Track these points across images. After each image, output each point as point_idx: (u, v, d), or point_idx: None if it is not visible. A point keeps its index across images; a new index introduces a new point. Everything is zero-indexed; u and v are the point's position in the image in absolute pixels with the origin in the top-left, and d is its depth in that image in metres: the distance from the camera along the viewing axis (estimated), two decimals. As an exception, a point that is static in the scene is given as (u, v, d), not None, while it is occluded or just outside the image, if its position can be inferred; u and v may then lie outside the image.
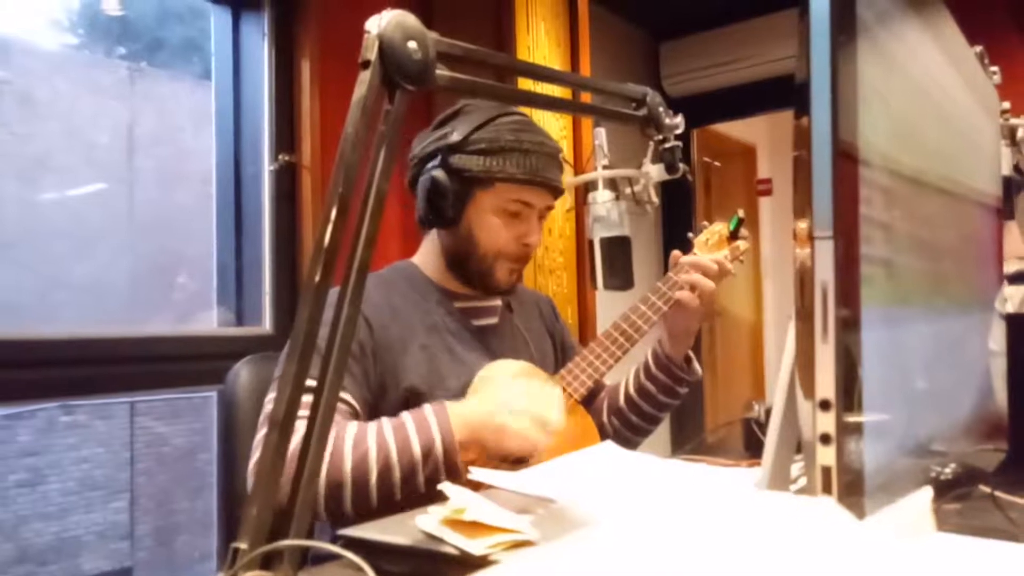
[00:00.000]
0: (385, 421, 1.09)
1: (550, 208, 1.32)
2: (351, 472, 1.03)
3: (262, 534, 0.56)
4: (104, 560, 2.16)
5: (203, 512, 2.30)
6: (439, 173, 1.23)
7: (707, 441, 1.51)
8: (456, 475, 1.07)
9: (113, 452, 2.18)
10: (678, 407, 1.43)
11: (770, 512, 0.49)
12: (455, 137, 1.23)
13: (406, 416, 1.09)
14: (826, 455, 0.48)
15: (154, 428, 2.26)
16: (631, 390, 1.42)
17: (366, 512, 1.04)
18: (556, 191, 1.30)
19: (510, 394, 1.10)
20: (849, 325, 0.50)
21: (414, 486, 1.06)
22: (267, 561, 0.56)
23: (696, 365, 1.42)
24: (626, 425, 1.43)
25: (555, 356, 1.46)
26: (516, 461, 1.19)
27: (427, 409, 1.10)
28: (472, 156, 1.23)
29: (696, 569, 0.46)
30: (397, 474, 1.05)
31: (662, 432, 3.52)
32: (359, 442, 1.05)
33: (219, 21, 2.18)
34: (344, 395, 1.13)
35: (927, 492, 0.49)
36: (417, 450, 1.05)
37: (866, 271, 0.52)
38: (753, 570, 0.44)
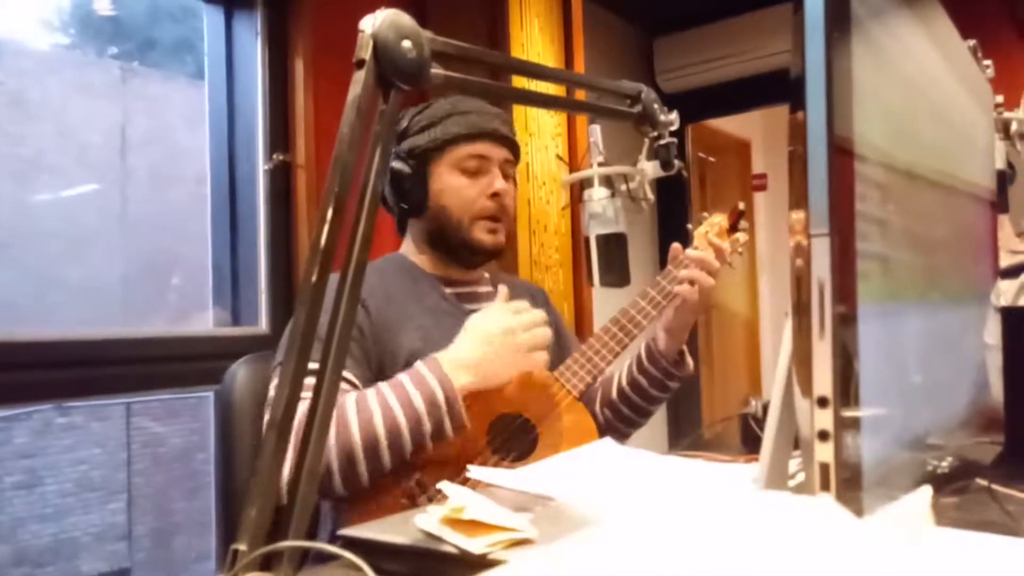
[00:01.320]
0: (382, 384, 1.11)
1: (509, 162, 1.34)
2: (360, 437, 1.05)
3: (261, 535, 0.56)
4: (102, 561, 2.16)
5: (201, 512, 2.30)
6: (394, 163, 1.28)
7: (704, 437, 1.51)
8: (460, 423, 1.09)
9: (110, 453, 2.18)
10: (675, 402, 1.44)
11: (771, 513, 0.49)
12: (400, 127, 1.30)
13: (401, 376, 1.11)
14: (824, 452, 0.48)
15: (150, 428, 2.26)
16: (624, 383, 1.44)
17: (380, 475, 1.07)
18: (508, 142, 1.33)
19: (490, 321, 1.13)
20: (846, 322, 0.50)
21: (422, 440, 1.08)
22: (267, 562, 0.56)
23: (688, 360, 1.43)
24: (618, 417, 1.45)
25: (556, 343, 1.46)
26: (516, 459, 1.19)
27: (419, 364, 1.12)
28: (417, 135, 1.29)
29: (700, 570, 0.46)
30: (405, 431, 1.07)
31: (659, 428, 3.53)
32: (362, 408, 1.07)
33: (212, 20, 2.18)
34: (346, 374, 1.15)
35: (927, 490, 0.49)
36: (420, 403, 1.07)
37: (862, 267, 0.53)
38: (757, 572, 0.44)
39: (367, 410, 1.07)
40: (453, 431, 1.09)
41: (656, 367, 1.40)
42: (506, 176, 1.32)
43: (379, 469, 1.07)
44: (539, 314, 1.16)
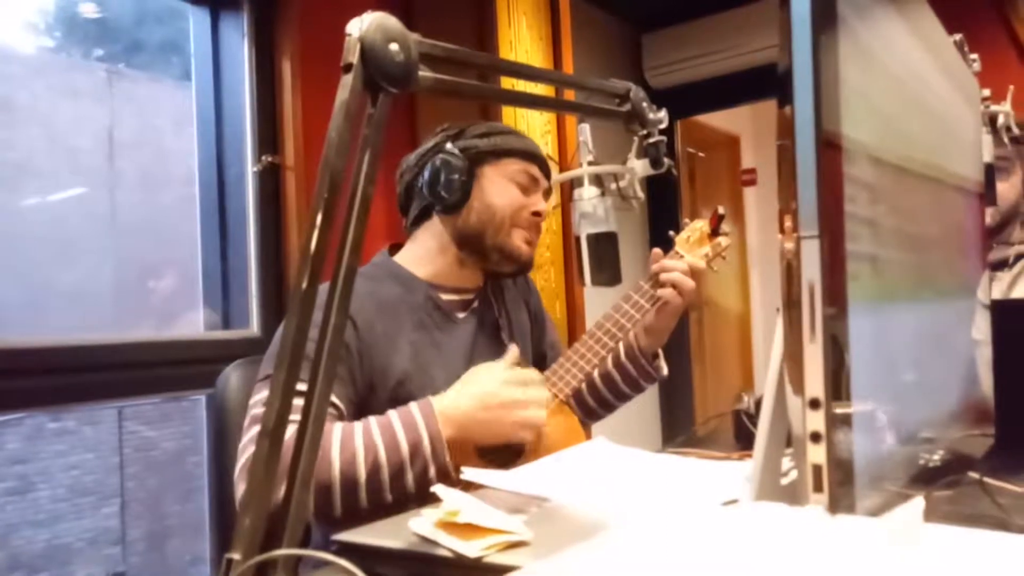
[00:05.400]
0: (372, 421, 1.09)
1: (547, 191, 1.37)
2: (339, 474, 1.04)
3: (255, 544, 0.55)
4: (96, 566, 2.15)
5: (194, 515, 2.30)
6: (445, 155, 1.28)
7: (697, 434, 1.52)
8: (445, 472, 1.07)
9: (102, 457, 2.17)
10: (668, 399, 1.45)
11: (765, 526, 0.49)
12: (453, 131, 1.32)
13: (392, 415, 1.10)
14: (817, 453, 0.49)
15: (142, 432, 2.25)
16: (595, 374, 1.45)
17: (356, 513, 1.05)
18: (550, 174, 1.37)
19: (494, 385, 1.11)
20: (836, 323, 0.50)
21: (403, 485, 1.06)
22: (261, 568, 0.56)
23: (662, 363, 1.45)
24: (581, 406, 1.47)
25: (532, 326, 1.47)
26: (505, 462, 1.19)
27: (413, 407, 1.10)
28: (475, 139, 1.31)
29: None
30: (386, 474, 1.05)
31: (652, 425, 3.53)
32: (346, 443, 1.05)
33: (198, 22, 2.17)
34: (331, 397, 1.13)
35: (918, 502, 0.50)
36: (405, 448, 1.06)
37: (852, 268, 0.53)
38: None
39: (351, 449, 1.05)
40: (437, 476, 1.08)
41: (634, 364, 1.42)
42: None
43: (355, 508, 1.05)
44: (543, 394, 1.14)
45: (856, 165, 0.56)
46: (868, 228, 0.57)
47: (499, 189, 1.30)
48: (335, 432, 1.06)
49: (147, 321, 2.17)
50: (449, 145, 1.29)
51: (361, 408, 1.19)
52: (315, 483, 1.03)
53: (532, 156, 1.33)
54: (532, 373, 1.16)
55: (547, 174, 1.36)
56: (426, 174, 1.29)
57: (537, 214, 1.32)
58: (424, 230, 1.35)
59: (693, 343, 4.01)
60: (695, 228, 1.41)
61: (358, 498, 1.05)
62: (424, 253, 1.34)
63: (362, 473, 1.04)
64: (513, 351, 1.21)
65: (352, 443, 1.05)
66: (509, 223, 1.30)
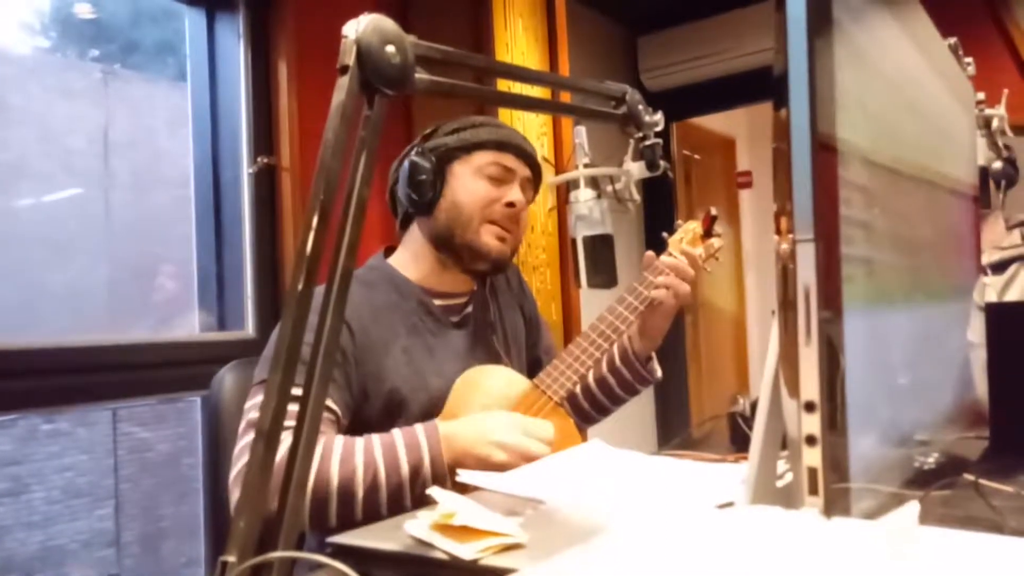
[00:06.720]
0: (375, 439, 1.09)
1: (530, 181, 1.34)
2: (337, 489, 1.04)
3: (250, 547, 0.55)
4: (90, 568, 2.14)
5: (189, 517, 2.29)
6: (414, 157, 1.28)
7: (693, 436, 1.52)
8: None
9: (96, 459, 2.16)
10: (663, 401, 1.45)
11: (761, 529, 0.49)
12: (428, 131, 1.32)
13: (396, 435, 1.10)
14: (812, 456, 0.49)
15: (137, 434, 2.24)
16: (589, 379, 1.45)
17: (352, 524, 1.05)
18: (532, 161, 1.34)
19: (501, 423, 1.12)
20: (832, 326, 0.50)
21: (401, 505, 1.07)
22: (256, 572, 0.56)
23: (656, 366, 1.45)
24: (576, 410, 1.46)
25: (526, 330, 1.47)
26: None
27: (418, 428, 1.11)
28: (446, 136, 1.30)
29: None
30: (384, 493, 1.06)
31: (648, 427, 3.53)
32: (346, 459, 1.06)
33: (193, 23, 2.16)
34: (327, 402, 1.13)
35: (914, 506, 0.50)
36: (406, 471, 1.07)
37: (848, 271, 0.53)
38: None
39: (351, 462, 1.06)
40: None
41: (629, 368, 1.42)
42: (524, 190, 1.32)
43: (351, 521, 1.05)
44: (544, 451, 1.13)
45: (851, 168, 0.56)
46: (863, 231, 0.57)
47: (466, 185, 1.28)
48: (336, 446, 1.07)
49: (142, 322, 2.16)
50: (419, 147, 1.29)
51: (356, 414, 1.19)
52: (312, 496, 1.04)
53: (504, 145, 1.29)
54: (542, 425, 1.15)
55: (529, 162, 1.32)
56: (400, 178, 1.29)
57: (511, 205, 1.28)
58: (409, 233, 1.35)
59: (688, 345, 4.01)
60: (688, 230, 1.42)
61: (354, 512, 1.06)
62: (410, 257, 1.34)
63: (360, 491, 1.05)
64: (532, 401, 1.23)
65: (352, 460, 1.06)
66: (478, 219, 1.27)
